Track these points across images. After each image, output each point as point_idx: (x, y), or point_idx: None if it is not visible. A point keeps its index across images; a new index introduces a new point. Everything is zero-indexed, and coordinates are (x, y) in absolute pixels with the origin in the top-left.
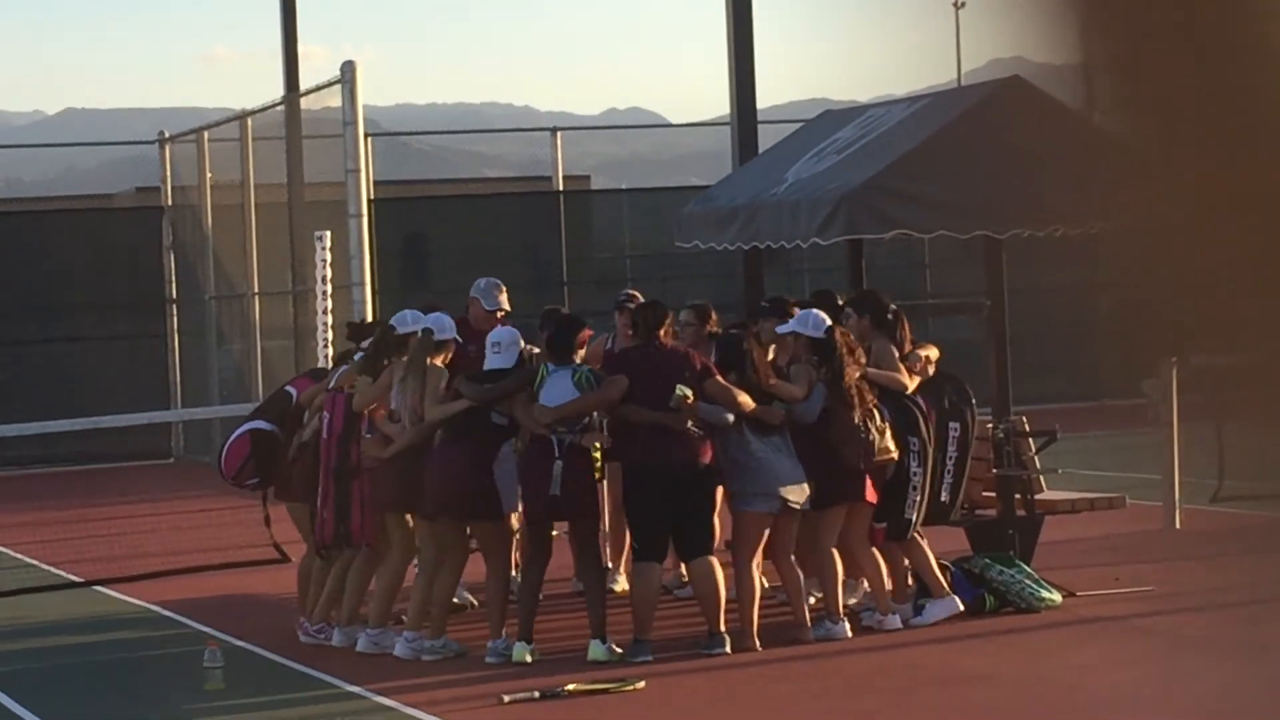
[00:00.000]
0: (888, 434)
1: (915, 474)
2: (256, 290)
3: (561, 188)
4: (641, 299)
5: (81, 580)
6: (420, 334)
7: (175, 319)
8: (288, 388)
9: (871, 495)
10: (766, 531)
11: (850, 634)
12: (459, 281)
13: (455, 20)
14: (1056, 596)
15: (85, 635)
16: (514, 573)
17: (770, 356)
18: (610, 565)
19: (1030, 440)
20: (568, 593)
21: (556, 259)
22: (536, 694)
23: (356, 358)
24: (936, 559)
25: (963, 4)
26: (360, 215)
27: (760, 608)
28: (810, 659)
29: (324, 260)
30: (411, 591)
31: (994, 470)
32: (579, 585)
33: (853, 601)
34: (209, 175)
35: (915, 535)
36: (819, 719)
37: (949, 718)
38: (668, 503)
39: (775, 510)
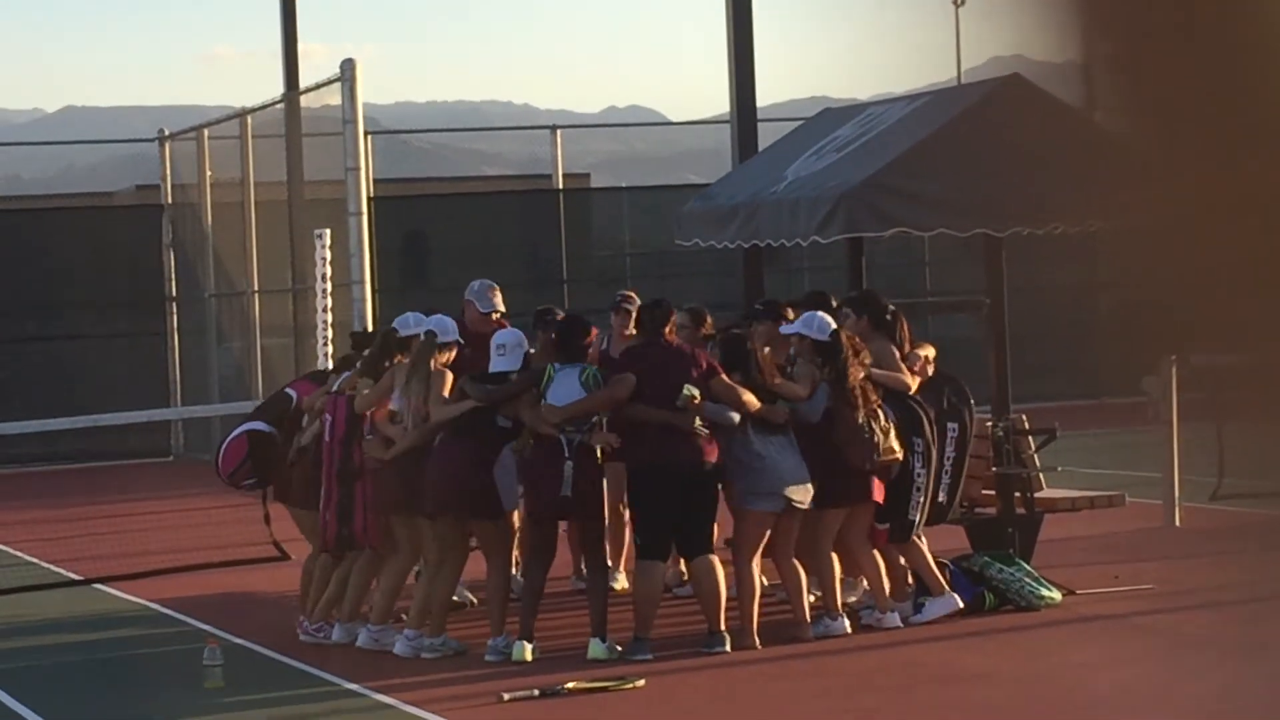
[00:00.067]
0: (892, 434)
1: (919, 475)
2: (256, 288)
3: (561, 186)
4: (638, 300)
5: (81, 578)
6: (423, 336)
7: (175, 317)
8: (288, 390)
9: (879, 495)
10: (768, 531)
11: (849, 630)
12: (459, 280)
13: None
14: (1056, 595)
15: (85, 633)
16: (514, 571)
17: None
18: (610, 564)
19: (1030, 438)
20: (568, 591)
21: (556, 257)
22: (536, 692)
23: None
24: (935, 557)
25: (962, 2)
26: (360, 213)
27: (760, 606)
28: (810, 657)
29: (324, 258)
30: (415, 590)
31: (994, 468)
32: (578, 583)
33: (852, 600)
34: (209, 173)
35: (914, 535)
36: (819, 717)
37: (949, 716)
38: (674, 502)
39: (779, 510)
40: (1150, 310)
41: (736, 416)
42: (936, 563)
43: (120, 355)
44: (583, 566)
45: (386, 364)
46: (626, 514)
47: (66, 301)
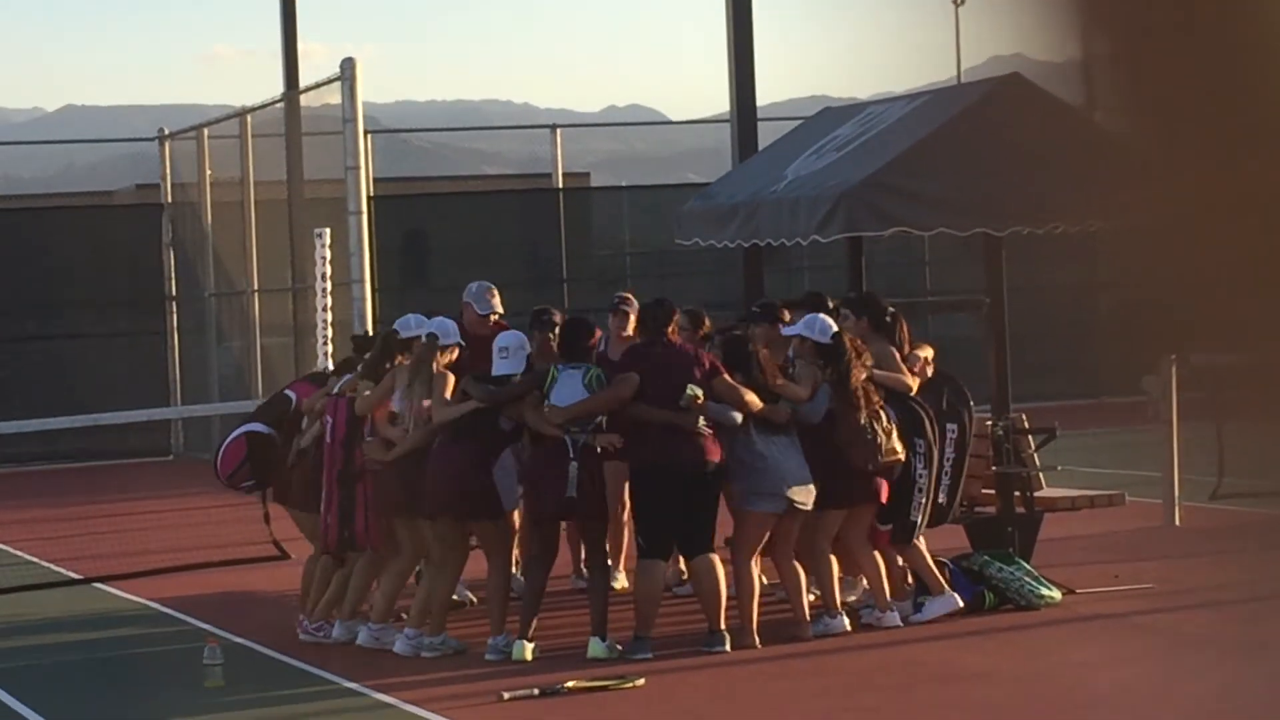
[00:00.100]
0: (894, 435)
1: (921, 476)
2: (256, 287)
3: (561, 185)
4: (635, 302)
5: (81, 577)
6: (425, 339)
7: (175, 316)
8: (287, 391)
9: (884, 496)
10: (769, 532)
11: (849, 628)
12: (458, 279)
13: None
14: (1056, 594)
15: (85, 632)
16: (514, 570)
17: None
18: (610, 563)
19: (1030, 438)
20: (568, 590)
21: (556, 256)
22: (536, 691)
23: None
24: (935, 556)
25: (962, 1)
26: (360, 212)
27: (760, 605)
28: (810, 656)
29: (324, 257)
30: (416, 590)
31: (993, 468)
32: (579, 583)
33: (852, 599)
34: (209, 172)
35: (916, 537)
36: (819, 716)
37: (949, 715)
38: (677, 502)
39: (781, 511)
40: (1150, 310)
41: (739, 417)
42: (936, 562)
43: (120, 354)
44: (583, 566)
45: (387, 366)
46: (625, 513)
47: (66, 300)
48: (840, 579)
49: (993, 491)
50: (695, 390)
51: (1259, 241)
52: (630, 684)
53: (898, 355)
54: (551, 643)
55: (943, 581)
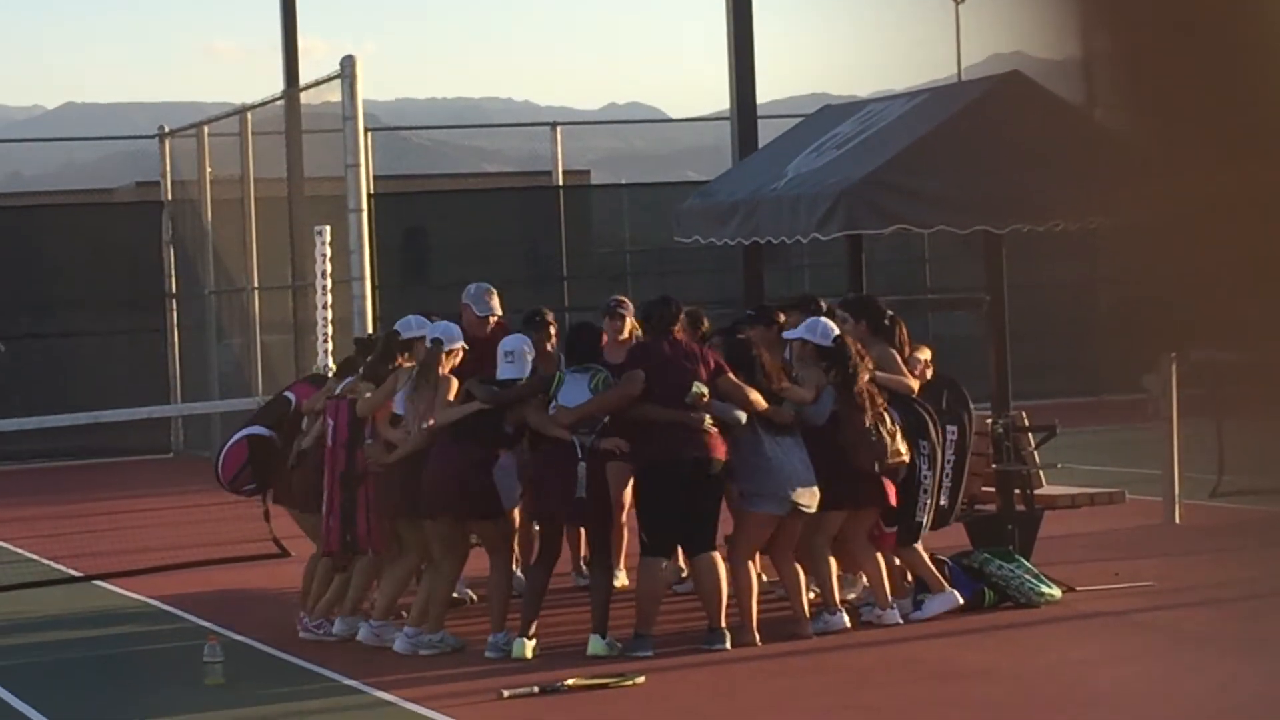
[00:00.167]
0: (898, 437)
1: (925, 477)
2: (256, 285)
3: (561, 183)
4: (631, 305)
5: (81, 575)
6: (430, 344)
7: (175, 314)
8: (287, 393)
9: (892, 498)
10: (769, 533)
11: (849, 625)
12: (459, 276)
13: (455, 15)
14: (1056, 591)
15: (85, 630)
16: (514, 568)
17: None
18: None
19: (1030, 435)
20: (568, 587)
21: (556, 254)
22: (536, 689)
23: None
24: (934, 554)
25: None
26: (360, 210)
27: (759, 603)
28: (810, 654)
29: (324, 255)
30: (419, 588)
31: (993, 465)
32: (579, 580)
33: (852, 596)
34: (209, 170)
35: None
36: (819, 714)
37: (949, 712)
38: (681, 499)
39: (784, 513)
40: (1150, 307)
41: (743, 416)
42: (935, 560)
43: (120, 352)
44: (583, 564)
45: (389, 367)
46: (624, 513)
47: (66, 298)
48: (840, 577)
49: (993, 489)
50: (701, 387)
51: (1259, 240)
52: (630, 682)
53: (899, 357)
54: (551, 640)
55: (941, 579)
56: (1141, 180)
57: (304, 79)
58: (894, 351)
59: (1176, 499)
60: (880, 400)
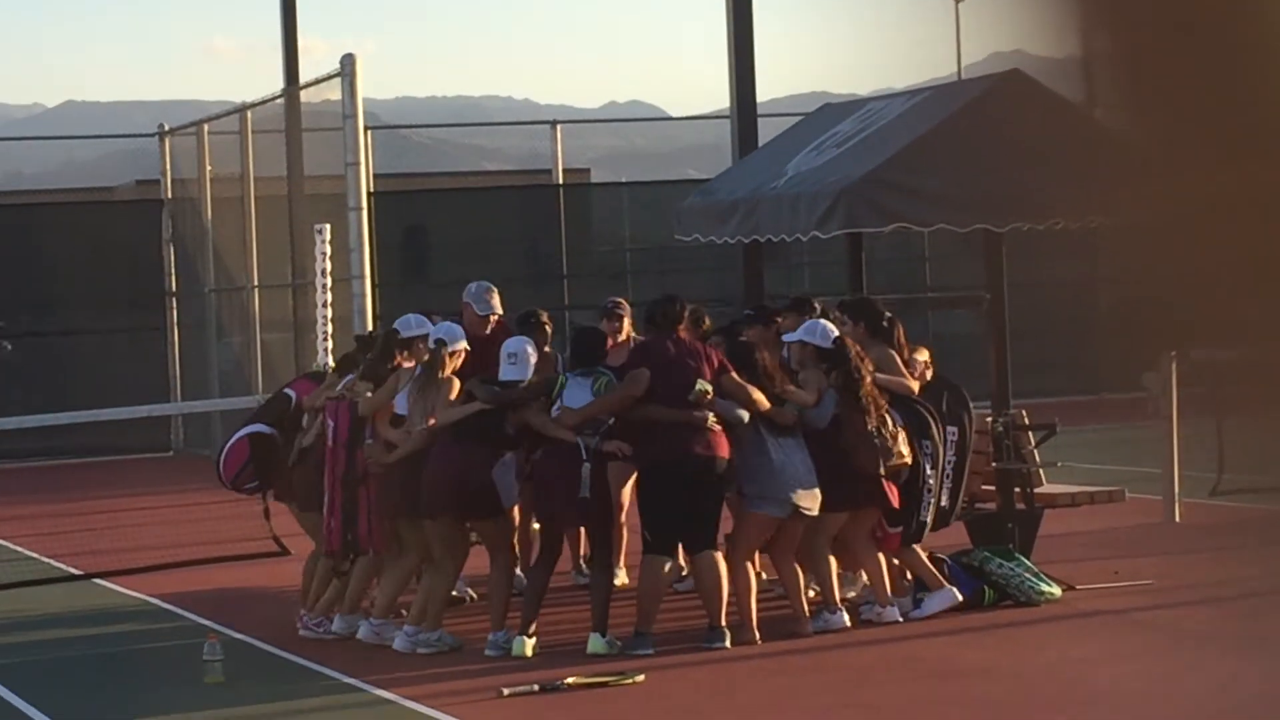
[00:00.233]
0: (900, 438)
1: (929, 477)
2: (256, 283)
3: (561, 181)
4: (628, 306)
5: (81, 573)
6: (433, 346)
7: (175, 312)
8: (287, 390)
9: (894, 500)
10: (769, 534)
11: (848, 624)
12: (459, 275)
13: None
14: (1056, 590)
15: (85, 628)
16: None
17: None
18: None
19: (1030, 434)
20: (568, 586)
21: (556, 252)
22: (536, 687)
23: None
24: (933, 553)
25: None
26: (360, 208)
27: (759, 602)
28: (810, 652)
29: (324, 253)
30: (419, 586)
31: (993, 464)
32: (579, 579)
33: (851, 595)
34: (209, 168)
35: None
36: (819, 713)
37: (948, 711)
38: (684, 498)
39: (785, 515)
40: (1150, 306)
41: (746, 415)
42: (934, 558)
43: (120, 350)
44: (583, 563)
45: (389, 366)
46: (624, 512)
47: (67, 296)
48: (839, 575)
49: (993, 488)
50: (704, 385)
51: (1259, 239)
52: (630, 680)
53: (898, 358)
54: (552, 639)
55: (939, 577)
56: (1141, 180)
57: (304, 77)
58: (893, 352)
59: (1176, 497)
60: (883, 401)
